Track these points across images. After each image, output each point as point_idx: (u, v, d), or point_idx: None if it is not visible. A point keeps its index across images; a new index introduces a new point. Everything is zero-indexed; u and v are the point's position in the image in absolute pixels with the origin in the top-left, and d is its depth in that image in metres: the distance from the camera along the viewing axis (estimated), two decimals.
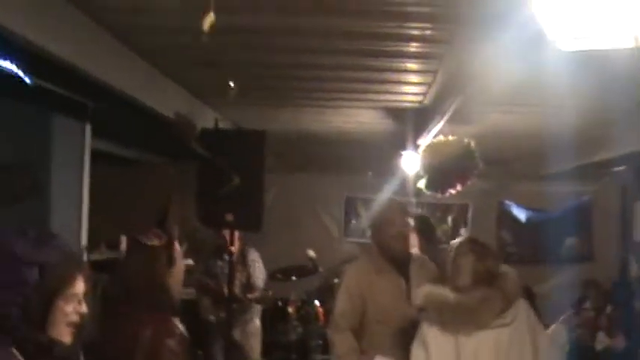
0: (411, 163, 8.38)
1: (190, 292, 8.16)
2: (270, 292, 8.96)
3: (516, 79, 5.36)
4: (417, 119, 7.47)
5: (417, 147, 8.02)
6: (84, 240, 5.86)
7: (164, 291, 3.74)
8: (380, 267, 5.30)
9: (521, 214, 12.47)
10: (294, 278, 10.20)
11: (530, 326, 4.48)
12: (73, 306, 2.55)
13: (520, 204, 12.46)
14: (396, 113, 7.49)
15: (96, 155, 6.05)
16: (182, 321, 6.23)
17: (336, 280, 9.86)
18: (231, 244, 6.60)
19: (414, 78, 6.01)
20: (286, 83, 6.52)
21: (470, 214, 12.59)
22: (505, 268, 4.67)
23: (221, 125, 6.83)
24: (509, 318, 4.41)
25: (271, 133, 6.34)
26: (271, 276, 9.51)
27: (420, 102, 6.90)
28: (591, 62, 4.33)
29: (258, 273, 8.62)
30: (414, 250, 5.83)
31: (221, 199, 5.93)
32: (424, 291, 4.63)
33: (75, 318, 2.56)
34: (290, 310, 9.98)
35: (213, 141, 6.17)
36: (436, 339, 4.45)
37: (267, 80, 6.38)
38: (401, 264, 5.31)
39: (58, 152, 5.60)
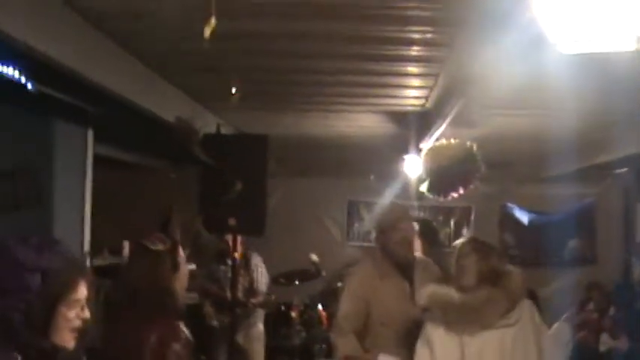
0: (413, 166, 8.38)
1: (193, 297, 8.16)
2: (274, 297, 8.97)
3: (517, 82, 5.36)
4: (418, 123, 7.47)
5: (419, 150, 8.02)
6: (87, 246, 5.87)
7: (169, 295, 3.72)
8: (384, 271, 5.29)
9: (523, 217, 12.46)
10: (297, 282, 10.20)
11: (534, 327, 4.47)
12: (76, 311, 2.56)
13: (522, 207, 12.45)
14: (398, 117, 7.50)
15: (98, 160, 6.05)
16: (185, 326, 6.23)
17: (339, 284, 9.85)
18: (234, 248, 6.60)
19: (415, 81, 6.01)
20: (288, 88, 6.52)
21: (472, 217, 12.59)
22: (510, 267, 4.68)
23: (223, 130, 6.83)
24: (514, 318, 4.40)
25: (273, 138, 6.34)
26: (274, 280, 9.52)
27: (421, 105, 6.90)
28: (592, 65, 4.33)
29: (261, 278, 8.63)
30: (417, 253, 5.83)
31: (223, 204, 5.93)
32: (428, 291, 4.62)
33: (78, 323, 2.56)
34: (293, 314, 9.97)
35: (216, 146, 6.16)
36: (440, 338, 4.44)
37: (268, 85, 6.38)
38: (405, 268, 5.31)
39: (60, 158, 5.60)
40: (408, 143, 8.08)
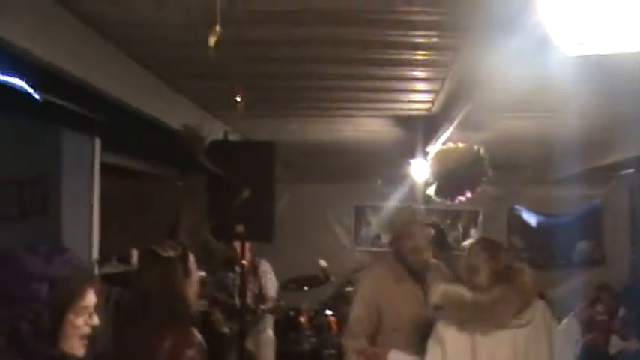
0: (420, 170, 8.39)
1: (203, 304, 8.17)
2: (283, 303, 8.96)
3: (524, 85, 5.37)
4: (425, 127, 7.48)
5: (426, 154, 8.03)
6: (95, 254, 5.87)
7: (181, 301, 3.72)
8: (398, 276, 5.30)
9: (531, 220, 12.45)
10: (305, 288, 10.19)
11: (546, 327, 4.46)
12: (84, 319, 2.56)
13: (530, 209, 12.45)
14: (405, 121, 7.50)
15: (105, 169, 6.06)
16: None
17: (348, 289, 9.87)
18: (242, 255, 6.60)
19: (421, 86, 6.01)
20: (294, 94, 6.53)
21: (480, 220, 12.59)
22: (520, 264, 4.68)
23: (230, 137, 6.83)
24: (527, 318, 4.40)
25: (280, 144, 6.34)
26: (283, 286, 9.52)
27: (428, 109, 6.90)
28: (598, 67, 4.33)
29: (270, 284, 8.63)
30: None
31: (231, 211, 5.93)
32: (441, 289, 4.61)
33: (87, 330, 2.57)
34: (302, 319, 9.98)
35: (223, 153, 6.16)
36: (452, 337, 4.43)
37: (275, 91, 6.39)
38: (419, 273, 5.31)
39: (68, 166, 5.61)
40: (415, 147, 8.09)
